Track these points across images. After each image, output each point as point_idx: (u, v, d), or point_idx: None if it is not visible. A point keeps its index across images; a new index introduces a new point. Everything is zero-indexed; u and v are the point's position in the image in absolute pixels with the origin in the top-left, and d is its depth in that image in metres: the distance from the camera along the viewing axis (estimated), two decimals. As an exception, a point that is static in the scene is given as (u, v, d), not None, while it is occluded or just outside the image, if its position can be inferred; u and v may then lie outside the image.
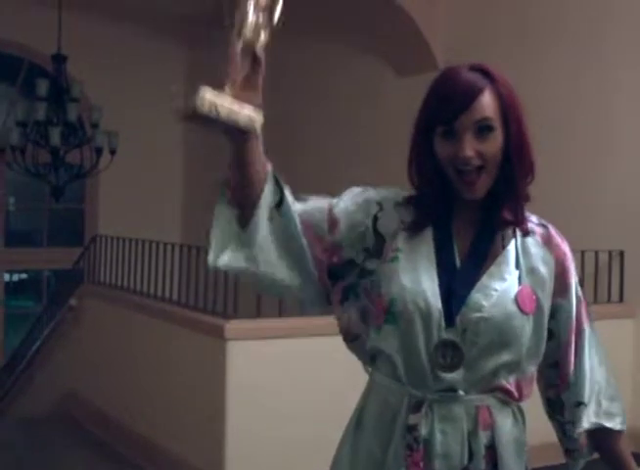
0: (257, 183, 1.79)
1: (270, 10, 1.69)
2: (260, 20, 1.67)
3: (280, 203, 1.83)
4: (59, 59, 8.70)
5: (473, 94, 1.80)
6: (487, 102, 1.81)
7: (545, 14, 6.70)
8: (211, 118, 1.62)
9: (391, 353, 1.84)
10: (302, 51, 9.46)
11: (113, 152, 8.60)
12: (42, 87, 8.32)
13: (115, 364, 6.99)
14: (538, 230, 1.94)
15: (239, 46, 1.66)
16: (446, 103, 1.81)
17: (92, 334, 7.64)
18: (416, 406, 1.81)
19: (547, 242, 1.93)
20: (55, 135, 8.24)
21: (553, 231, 1.95)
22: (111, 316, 7.20)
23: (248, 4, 1.66)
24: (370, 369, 1.94)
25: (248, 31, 1.66)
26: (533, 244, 1.91)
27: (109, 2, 10.30)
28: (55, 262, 11.08)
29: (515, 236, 1.90)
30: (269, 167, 1.82)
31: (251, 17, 1.65)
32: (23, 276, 12.80)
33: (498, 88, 1.83)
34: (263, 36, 1.68)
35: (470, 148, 1.79)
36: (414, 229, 1.87)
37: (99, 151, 8.56)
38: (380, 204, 1.91)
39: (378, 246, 1.89)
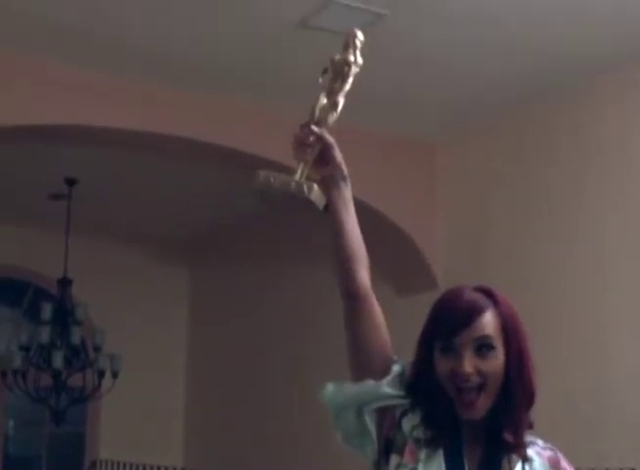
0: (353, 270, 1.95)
1: (336, 97, 2.03)
2: (329, 103, 2.02)
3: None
4: (64, 283, 8.82)
5: (474, 312, 1.83)
6: (488, 321, 1.83)
7: (542, 234, 6.80)
8: (269, 190, 1.92)
9: None
10: (302, 274, 9.57)
11: (115, 375, 8.54)
12: (46, 311, 8.37)
13: None
14: (545, 454, 1.91)
15: (311, 126, 1.96)
16: (447, 318, 1.84)
17: None
18: None
19: (555, 465, 1.90)
20: (58, 359, 8.20)
21: (560, 455, 1.93)
22: None
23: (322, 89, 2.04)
24: None
25: (318, 110, 2.00)
26: (541, 468, 1.87)
27: (112, 227, 10.51)
28: (53, 490, 10.76)
29: (522, 459, 1.87)
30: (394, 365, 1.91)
31: (322, 99, 2.02)
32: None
33: (500, 309, 1.86)
34: (330, 118, 2.02)
35: (469, 364, 1.80)
36: (429, 447, 1.84)
37: (101, 374, 8.51)
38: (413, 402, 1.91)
39: (400, 440, 1.86)
